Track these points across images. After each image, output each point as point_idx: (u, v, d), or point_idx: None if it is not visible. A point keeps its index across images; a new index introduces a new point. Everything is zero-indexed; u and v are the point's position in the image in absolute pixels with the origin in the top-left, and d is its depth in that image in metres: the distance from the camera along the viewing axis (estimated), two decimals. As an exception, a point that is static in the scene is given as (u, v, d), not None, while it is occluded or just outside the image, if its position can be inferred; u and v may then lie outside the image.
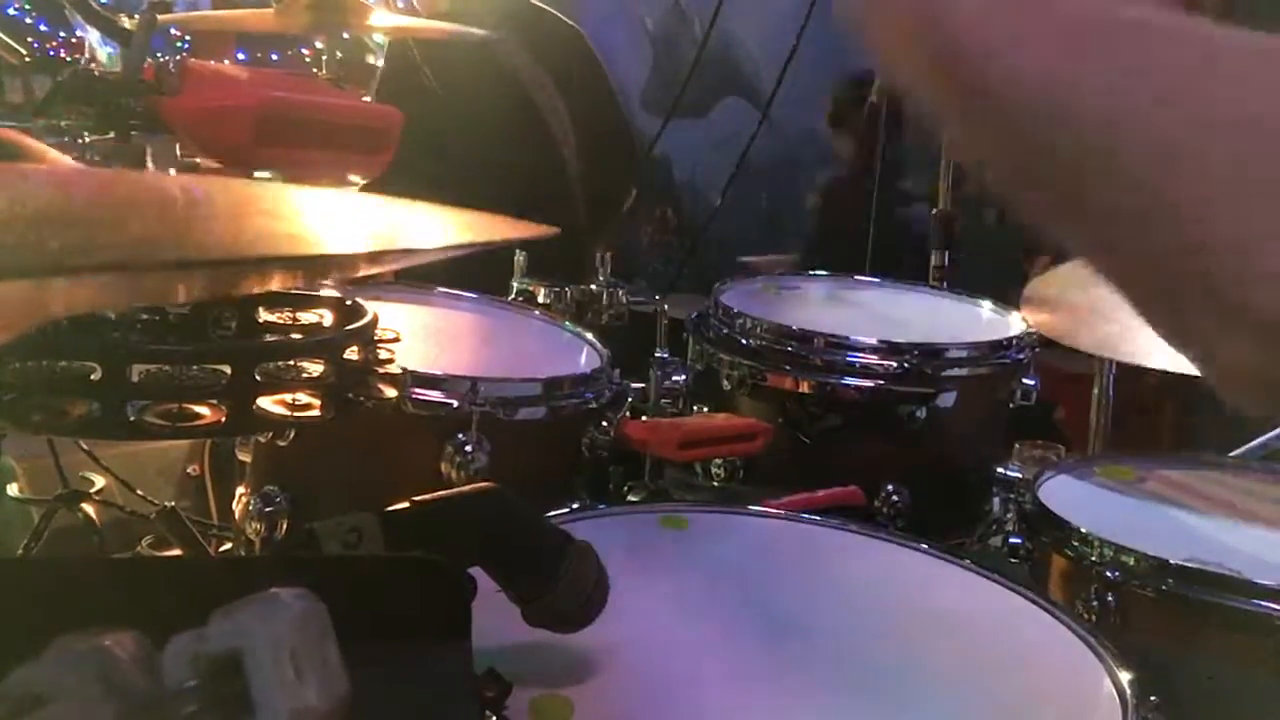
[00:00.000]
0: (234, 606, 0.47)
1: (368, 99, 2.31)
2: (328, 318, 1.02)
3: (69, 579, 0.66)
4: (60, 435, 1.55)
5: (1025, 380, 1.60)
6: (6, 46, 2.04)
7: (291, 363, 0.91)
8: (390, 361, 1.01)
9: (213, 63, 1.67)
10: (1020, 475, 1.34)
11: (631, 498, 1.38)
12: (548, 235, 0.58)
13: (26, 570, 0.73)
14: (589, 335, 1.57)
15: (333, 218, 0.51)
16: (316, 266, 0.47)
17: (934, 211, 2.22)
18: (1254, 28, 0.41)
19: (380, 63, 2.62)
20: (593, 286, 1.70)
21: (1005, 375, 1.59)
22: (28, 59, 2.19)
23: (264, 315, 1.00)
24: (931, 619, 1.00)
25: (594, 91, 2.82)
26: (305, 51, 3.22)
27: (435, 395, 1.25)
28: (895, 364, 1.48)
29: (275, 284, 0.52)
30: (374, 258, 0.50)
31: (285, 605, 0.48)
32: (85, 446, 1.70)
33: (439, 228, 0.54)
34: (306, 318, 1.02)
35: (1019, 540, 1.26)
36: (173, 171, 1.54)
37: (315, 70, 2.14)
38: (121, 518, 1.72)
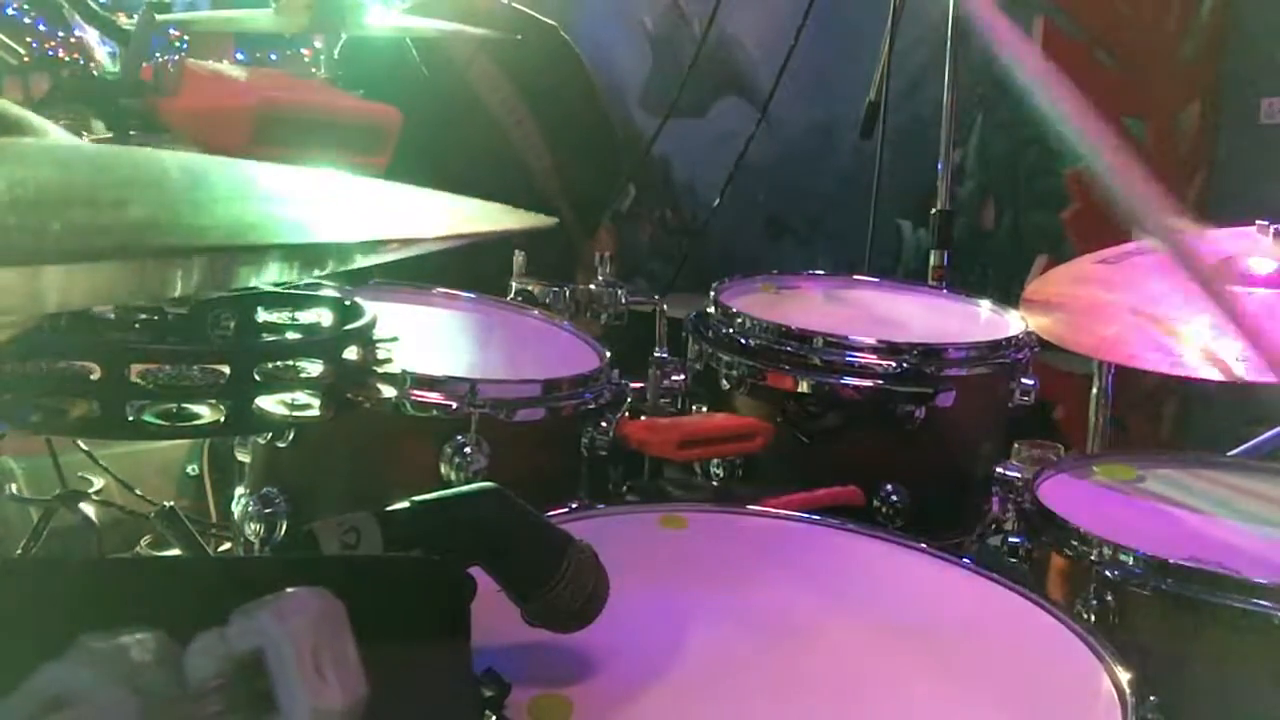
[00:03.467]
0: (254, 606, 0.47)
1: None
2: (327, 318, 1.02)
3: (84, 579, 0.66)
4: (59, 435, 1.55)
5: (1024, 380, 1.60)
6: (5, 46, 2.04)
7: (290, 363, 0.91)
8: (389, 362, 1.01)
9: (211, 63, 1.67)
10: (1019, 475, 1.33)
11: (631, 498, 1.38)
12: (547, 225, 0.59)
13: (44, 571, 0.73)
14: (588, 335, 1.57)
15: (333, 205, 0.51)
16: (316, 254, 0.46)
17: (933, 211, 2.22)
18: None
19: None
20: (592, 286, 1.70)
21: (1004, 375, 1.59)
22: (26, 59, 2.19)
23: (263, 315, 1.00)
24: (931, 619, 1.00)
25: (571, 89, 2.81)
26: (304, 52, 3.22)
27: (434, 396, 1.25)
28: (894, 364, 1.48)
29: (274, 271, 0.51)
30: (373, 246, 0.50)
31: (306, 604, 0.48)
32: (84, 446, 1.70)
33: (437, 217, 0.54)
34: (305, 317, 1.02)
35: (1018, 540, 1.26)
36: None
37: (314, 70, 2.14)
38: (120, 517, 1.72)
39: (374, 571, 0.74)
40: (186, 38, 2.83)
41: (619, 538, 1.08)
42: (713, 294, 1.67)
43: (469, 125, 2.60)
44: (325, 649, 0.47)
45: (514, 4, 2.74)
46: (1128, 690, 0.87)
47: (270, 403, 0.88)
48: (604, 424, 1.37)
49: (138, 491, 1.76)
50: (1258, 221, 1.50)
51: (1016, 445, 1.45)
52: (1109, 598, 1.13)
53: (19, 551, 1.58)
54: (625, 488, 1.44)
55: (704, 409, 1.59)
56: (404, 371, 1.12)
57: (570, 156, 2.74)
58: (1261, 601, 1.07)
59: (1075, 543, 1.18)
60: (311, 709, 0.45)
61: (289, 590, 0.48)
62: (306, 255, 0.46)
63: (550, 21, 2.81)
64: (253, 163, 0.50)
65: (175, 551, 1.50)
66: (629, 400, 1.44)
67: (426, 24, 2.30)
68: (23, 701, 0.44)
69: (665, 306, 1.63)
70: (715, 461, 1.54)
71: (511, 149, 2.68)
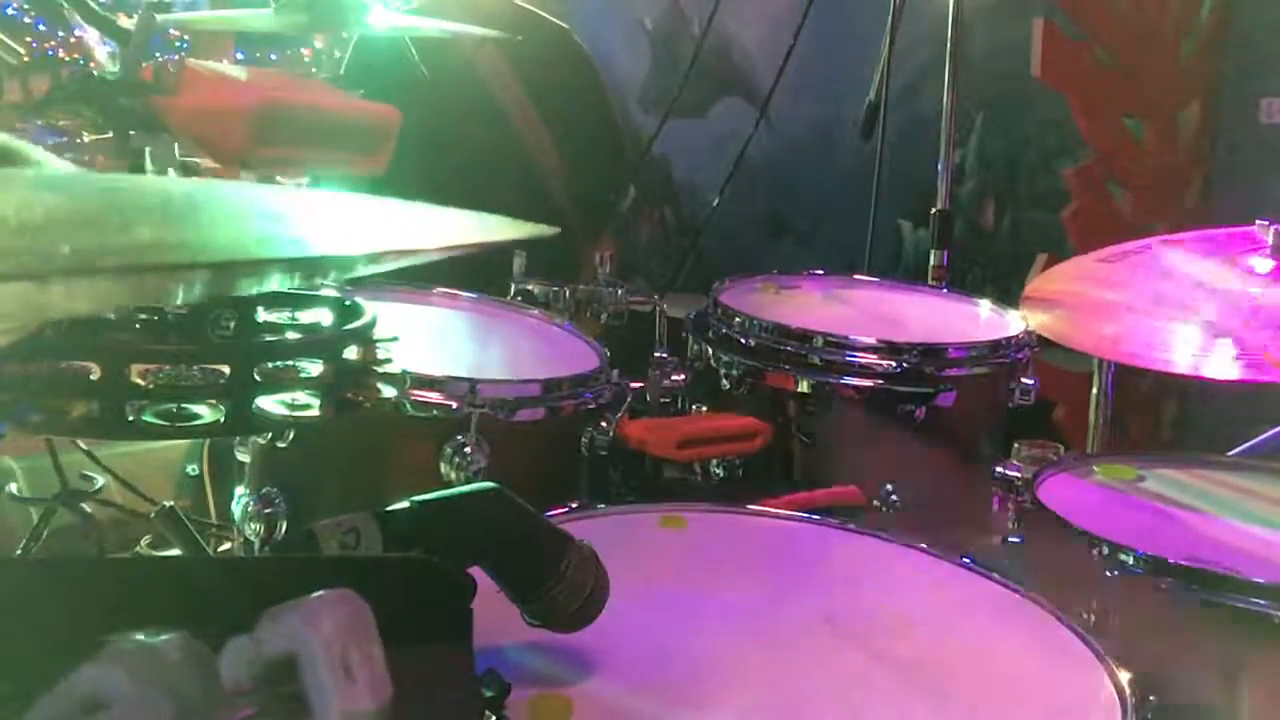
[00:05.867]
0: (283, 609, 0.47)
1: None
2: (327, 318, 1.02)
3: (100, 580, 0.66)
4: (60, 435, 1.55)
5: (1024, 380, 1.60)
6: (5, 46, 2.04)
7: (290, 363, 0.91)
8: (389, 362, 1.01)
9: (211, 63, 1.67)
10: (1020, 475, 1.33)
11: (630, 498, 1.38)
12: (547, 235, 0.58)
13: (58, 571, 0.73)
14: (588, 335, 1.57)
15: (334, 219, 0.51)
16: (318, 268, 0.47)
17: (933, 211, 2.22)
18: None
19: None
20: (592, 286, 1.70)
21: (1004, 375, 1.59)
22: (26, 59, 2.19)
23: (263, 315, 1.00)
24: (931, 619, 1.00)
25: (580, 91, 2.82)
26: (304, 52, 3.22)
27: (434, 396, 1.25)
28: (894, 364, 1.48)
29: (278, 284, 0.51)
30: (374, 259, 0.50)
31: (335, 607, 0.48)
32: (85, 446, 1.70)
33: (437, 228, 0.54)
34: (305, 317, 1.02)
35: (1018, 540, 1.26)
36: (171, 172, 1.54)
37: (313, 70, 2.14)
38: (120, 517, 1.73)
39: (374, 571, 0.74)
40: (186, 38, 2.83)
41: (619, 538, 1.08)
42: (713, 294, 1.67)
43: (478, 123, 2.60)
44: (354, 651, 0.47)
45: (523, 3, 2.74)
46: (1128, 690, 0.87)
47: (270, 403, 0.88)
48: (604, 424, 1.37)
49: (138, 491, 1.76)
50: (1258, 221, 1.50)
51: (1016, 445, 1.45)
52: (1109, 598, 1.13)
53: (19, 551, 1.58)
54: (625, 488, 1.44)
55: (704, 409, 1.59)
56: (404, 371, 1.12)
57: (576, 156, 2.74)
58: (1261, 601, 1.07)
59: (1075, 542, 1.18)
60: (342, 712, 0.45)
61: (318, 593, 0.48)
62: (306, 270, 0.46)
63: (561, 24, 2.81)
64: (254, 185, 0.51)
65: (175, 551, 1.51)
66: (629, 400, 1.45)
67: (428, 24, 2.30)
68: (58, 703, 0.44)
69: (665, 306, 1.63)
70: (715, 461, 1.54)
71: (520, 146, 2.69)
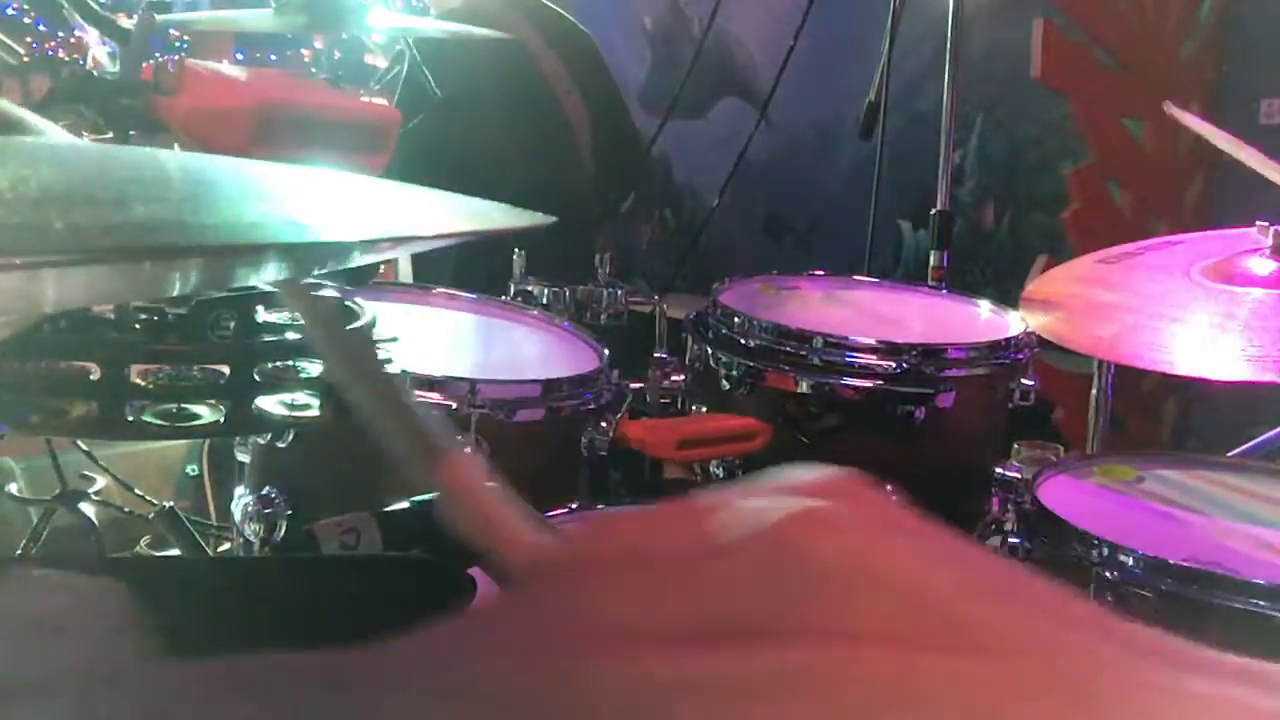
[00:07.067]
0: None
1: (380, 101, 2.33)
2: (327, 318, 1.02)
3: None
4: (59, 435, 1.55)
5: (1024, 380, 1.60)
6: (5, 46, 2.04)
7: (290, 363, 0.91)
8: (389, 362, 1.01)
9: (211, 63, 1.67)
10: (1019, 475, 1.33)
11: (629, 498, 1.38)
12: (547, 224, 0.58)
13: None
14: (588, 335, 1.57)
15: (333, 203, 0.51)
16: (315, 253, 0.46)
17: (933, 211, 2.22)
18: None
19: (380, 62, 2.64)
20: (591, 286, 1.70)
21: (1004, 375, 1.58)
22: (26, 59, 2.19)
23: (263, 315, 1.00)
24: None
25: (605, 94, 2.85)
26: (304, 52, 3.22)
27: (434, 396, 1.25)
28: (894, 364, 1.48)
29: (272, 270, 0.51)
30: (371, 245, 0.50)
31: None
32: (84, 446, 1.70)
33: (439, 215, 0.54)
34: (305, 318, 1.02)
35: (1018, 540, 1.26)
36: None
37: (313, 70, 2.14)
38: (120, 517, 1.73)
39: (373, 571, 0.74)
40: (186, 38, 2.83)
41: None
42: (712, 294, 1.67)
43: (542, 126, 2.64)
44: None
45: (554, 7, 2.77)
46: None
47: (270, 403, 0.88)
48: (604, 424, 1.37)
49: (138, 491, 1.77)
50: (1258, 221, 1.50)
51: (1016, 445, 1.45)
52: (1109, 598, 1.13)
53: (19, 552, 1.59)
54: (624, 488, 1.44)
55: (704, 409, 1.59)
56: (404, 372, 1.12)
57: (602, 160, 2.77)
58: (1261, 601, 1.07)
59: (1075, 543, 1.18)
60: None
61: None
62: (305, 254, 0.46)
63: (584, 29, 2.84)
64: (253, 162, 0.50)
65: (175, 551, 1.51)
66: (629, 400, 1.44)
67: (426, 24, 2.30)
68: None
69: (665, 306, 1.63)
70: (715, 461, 1.53)
71: (572, 150, 2.71)
